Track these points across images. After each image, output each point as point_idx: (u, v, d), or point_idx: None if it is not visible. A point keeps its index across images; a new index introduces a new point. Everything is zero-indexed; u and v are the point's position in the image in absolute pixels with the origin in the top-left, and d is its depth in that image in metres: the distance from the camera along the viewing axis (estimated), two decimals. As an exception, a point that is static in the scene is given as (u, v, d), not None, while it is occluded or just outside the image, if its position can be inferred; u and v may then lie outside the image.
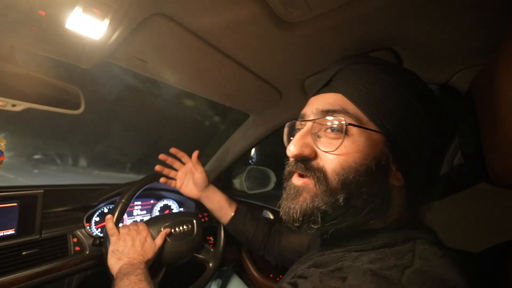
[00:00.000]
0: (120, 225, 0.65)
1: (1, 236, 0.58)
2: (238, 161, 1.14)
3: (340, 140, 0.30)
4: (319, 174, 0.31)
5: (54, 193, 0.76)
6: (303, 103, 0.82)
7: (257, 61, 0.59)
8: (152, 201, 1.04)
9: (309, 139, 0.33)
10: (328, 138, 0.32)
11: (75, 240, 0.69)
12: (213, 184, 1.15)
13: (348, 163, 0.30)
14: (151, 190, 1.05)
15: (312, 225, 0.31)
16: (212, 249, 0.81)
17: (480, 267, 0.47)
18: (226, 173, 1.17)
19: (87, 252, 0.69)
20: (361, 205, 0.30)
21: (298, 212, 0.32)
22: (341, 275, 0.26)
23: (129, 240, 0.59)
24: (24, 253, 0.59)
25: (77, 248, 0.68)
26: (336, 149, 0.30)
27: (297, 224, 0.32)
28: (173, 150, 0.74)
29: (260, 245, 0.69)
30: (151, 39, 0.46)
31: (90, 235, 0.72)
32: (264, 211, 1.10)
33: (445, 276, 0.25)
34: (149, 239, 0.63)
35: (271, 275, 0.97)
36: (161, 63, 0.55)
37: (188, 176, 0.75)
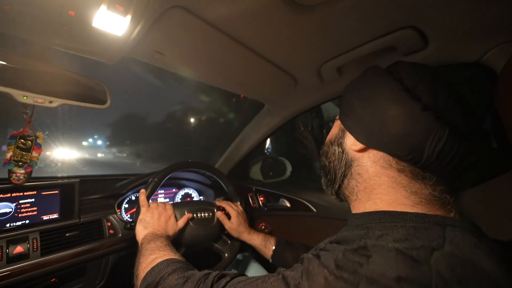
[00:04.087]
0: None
1: (48, 219, 0.66)
2: (254, 150, 1.15)
3: None
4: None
5: (88, 182, 0.84)
6: (319, 90, 0.80)
7: (273, 48, 0.58)
8: (174, 190, 1.10)
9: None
10: None
11: (108, 224, 0.75)
12: (230, 174, 1.20)
13: (326, 140, 0.44)
14: (174, 179, 1.11)
15: (326, 189, 0.44)
16: (229, 241, 0.85)
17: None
18: (242, 163, 1.20)
19: (120, 235, 0.76)
20: (333, 166, 0.41)
21: (322, 182, 0.46)
22: (365, 253, 0.26)
23: (156, 214, 0.65)
24: (67, 234, 0.67)
25: (111, 231, 0.75)
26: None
27: (324, 187, 0.45)
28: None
29: None
30: (170, 31, 0.47)
31: (121, 220, 0.79)
32: (281, 199, 1.12)
33: (479, 264, 0.24)
34: (173, 218, 0.69)
35: (289, 261, 1.00)
36: (178, 55, 0.57)
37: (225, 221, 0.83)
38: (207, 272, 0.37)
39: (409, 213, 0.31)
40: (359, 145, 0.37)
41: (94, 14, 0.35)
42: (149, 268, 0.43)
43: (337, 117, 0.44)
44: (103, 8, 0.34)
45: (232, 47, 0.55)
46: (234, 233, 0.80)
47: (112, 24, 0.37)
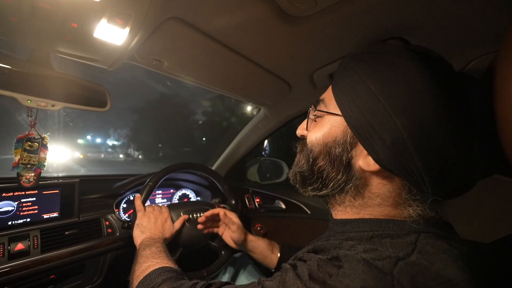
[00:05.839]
0: (147, 204, 0.73)
1: (48, 218, 0.68)
2: (251, 153, 1.18)
3: (315, 123, 0.38)
4: (301, 147, 0.40)
5: (88, 182, 0.86)
6: (312, 96, 0.82)
7: (267, 56, 0.60)
8: (172, 190, 1.13)
9: (308, 123, 0.40)
10: (312, 122, 0.39)
11: (107, 223, 0.78)
12: (227, 175, 1.22)
13: (312, 139, 0.37)
14: (171, 180, 1.13)
15: (299, 187, 0.40)
16: None
17: (493, 257, 0.47)
18: (239, 165, 1.22)
19: (117, 234, 0.78)
20: (325, 176, 0.35)
21: (291, 175, 0.42)
22: (337, 263, 0.27)
23: (152, 218, 0.67)
24: (66, 232, 0.69)
25: (109, 230, 0.77)
26: (311, 129, 0.38)
27: (293, 184, 0.42)
28: (207, 214, 0.72)
29: None
30: (167, 41, 0.50)
31: (119, 219, 0.81)
32: (276, 201, 1.14)
33: (442, 271, 0.25)
34: (169, 221, 0.70)
35: (283, 261, 1.02)
36: (176, 62, 0.59)
37: (226, 228, 0.74)
38: (195, 282, 0.38)
39: (388, 220, 0.32)
40: (376, 167, 0.31)
41: (95, 26, 0.37)
42: (141, 277, 0.44)
43: (325, 105, 0.36)
44: (103, 21, 0.36)
45: (227, 55, 0.57)
46: (241, 236, 0.69)
47: (112, 35, 0.40)
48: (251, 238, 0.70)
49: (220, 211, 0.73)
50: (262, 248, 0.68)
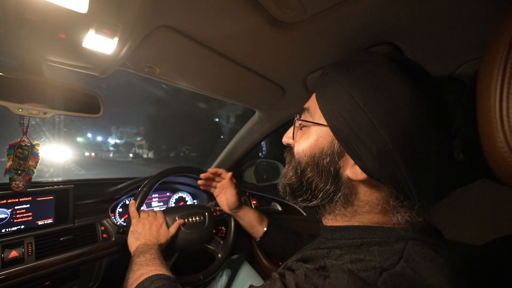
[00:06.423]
0: (142, 208, 0.73)
1: (43, 224, 0.68)
2: (247, 155, 1.18)
3: (301, 132, 0.38)
4: (289, 158, 0.40)
5: (83, 187, 0.86)
6: (305, 99, 0.83)
7: (259, 61, 0.61)
8: (168, 194, 1.13)
9: (294, 131, 0.40)
10: (298, 131, 0.39)
11: (102, 228, 0.78)
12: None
13: (299, 150, 0.37)
14: (167, 184, 1.13)
15: (289, 198, 0.40)
16: (221, 242, 0.87)
17: (483, 260, 0.48)
18: (236, 167, 1.22)
19: (113, 239, 0.78)
20: (314, 187, 0.35)
21: (281, 187, 0.42)
22: (324, 273, 0.27)
23: (147, 224, 0.66)
24: (61, 239, 0.69)
25: (105, 235, 0.77)
26: (297, 139, 0.38)
27: (284, 196, 0.41)
28: (211, 170, 0.75)
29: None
30: (158, 48, 0.50)
31: (114, 224, 0.81)
32: (272, 203, 1.14)
33: (428, 280, 0.25)
34: (164, 226, 0.70)
35: (280, 263, 1.02)
36: (169, 69, 0.59)
37: (224, 191, 0.78)
38: None
39: (377, 227, 0.33)
40: (363, 176, 0.31)
41: (83, 37, 0.38)
42: (134, 286, 0.44)
43: (311, 114, 0.36)
44: (91, 32, 0.36)
45: (220, 61, 0.58)
46: (236, 202, 0.74)
47: (101, 45, 0.40)
48: (243, 206, 0.77)
49: (224, 171, 0.77)
50: (251, 218, 0.74)
